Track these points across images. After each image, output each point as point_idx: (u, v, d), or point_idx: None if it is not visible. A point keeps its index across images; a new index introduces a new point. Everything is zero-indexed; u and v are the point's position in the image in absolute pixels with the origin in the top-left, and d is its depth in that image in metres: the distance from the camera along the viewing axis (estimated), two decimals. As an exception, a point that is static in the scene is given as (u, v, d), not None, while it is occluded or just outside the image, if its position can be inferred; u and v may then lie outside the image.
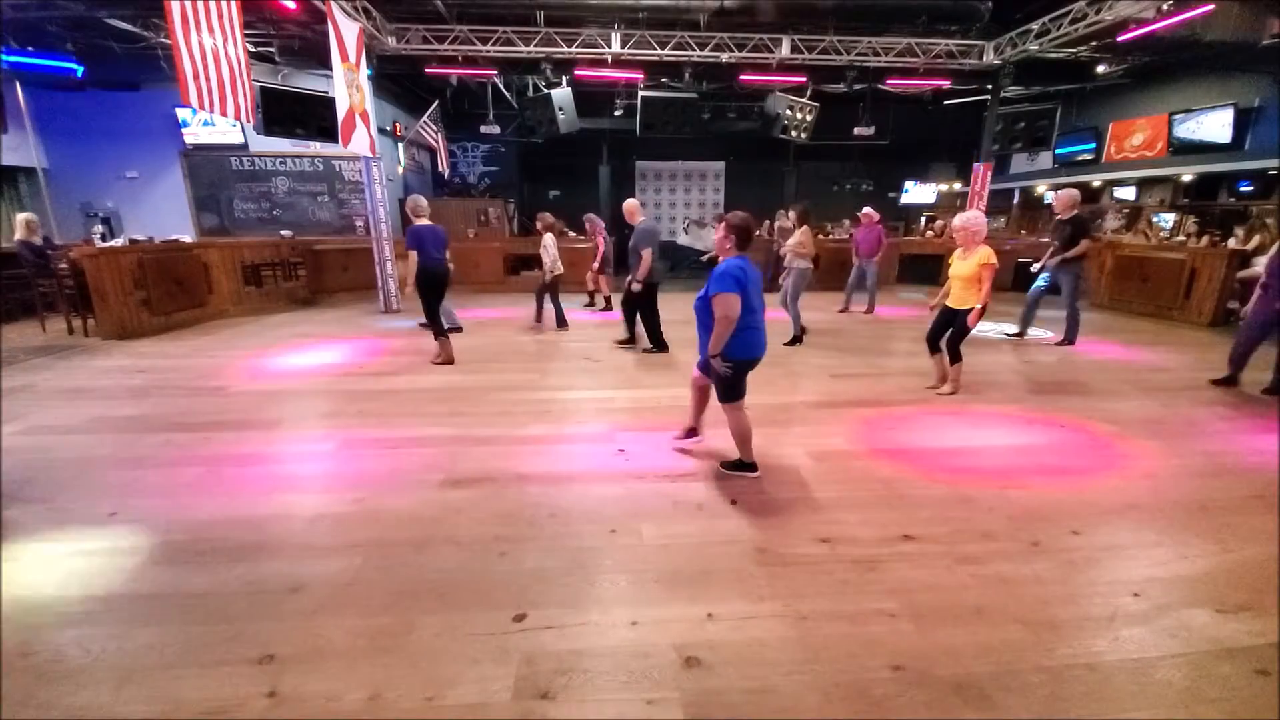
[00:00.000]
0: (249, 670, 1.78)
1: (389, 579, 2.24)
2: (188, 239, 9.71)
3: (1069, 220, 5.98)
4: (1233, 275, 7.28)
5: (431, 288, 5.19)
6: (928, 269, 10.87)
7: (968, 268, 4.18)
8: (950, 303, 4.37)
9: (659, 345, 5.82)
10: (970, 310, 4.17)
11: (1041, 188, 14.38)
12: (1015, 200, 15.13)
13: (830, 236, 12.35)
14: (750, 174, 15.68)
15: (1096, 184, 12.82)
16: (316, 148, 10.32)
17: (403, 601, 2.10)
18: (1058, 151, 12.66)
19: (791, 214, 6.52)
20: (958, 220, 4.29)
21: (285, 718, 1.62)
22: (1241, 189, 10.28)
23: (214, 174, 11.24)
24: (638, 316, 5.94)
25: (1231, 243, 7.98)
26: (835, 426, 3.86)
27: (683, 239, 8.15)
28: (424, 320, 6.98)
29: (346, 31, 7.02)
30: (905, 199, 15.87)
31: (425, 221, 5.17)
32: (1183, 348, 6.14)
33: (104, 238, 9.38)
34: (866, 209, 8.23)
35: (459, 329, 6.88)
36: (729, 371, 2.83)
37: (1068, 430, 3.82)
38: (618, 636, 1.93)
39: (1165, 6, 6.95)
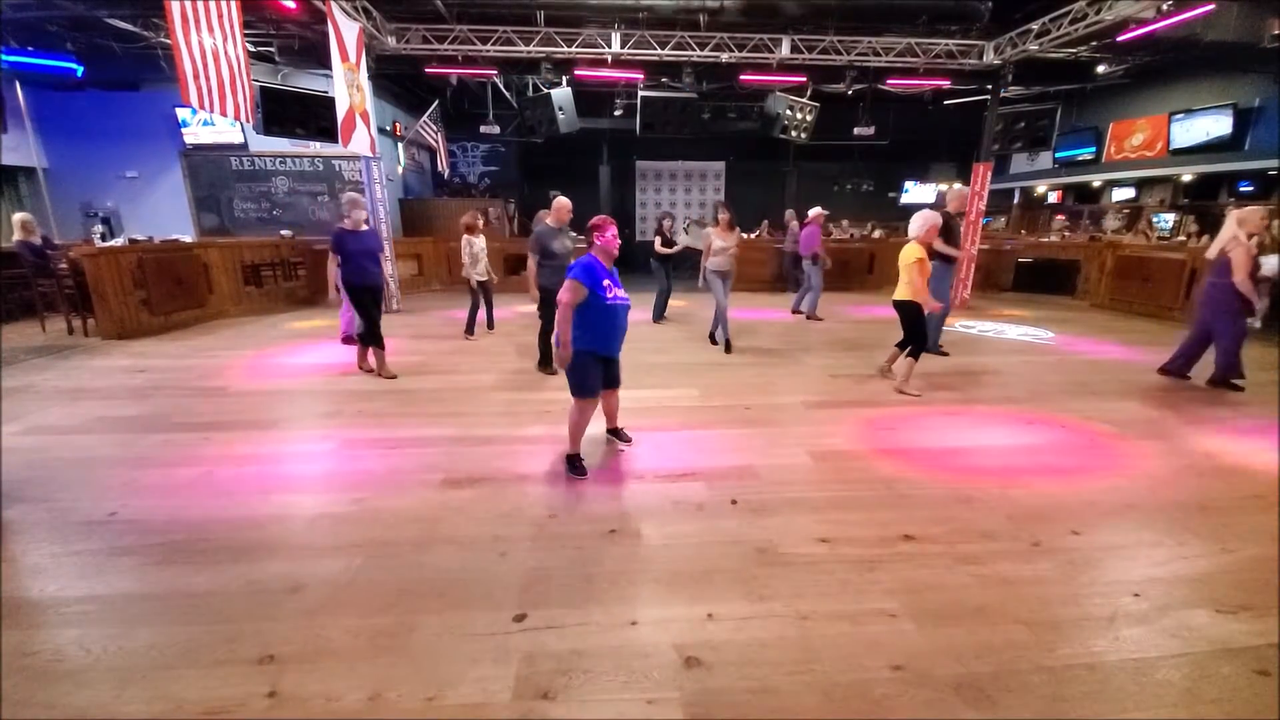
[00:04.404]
0: (249, 670, 1.78)
1: (389, 579, 2.23)
2: (188, 239, 9.72)
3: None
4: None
5: None
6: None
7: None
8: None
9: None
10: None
11: (1042, 187, 14.39)
12: (1015, 200, 15.14)
13: (831, 237, 12.35)
14: (750, 174, 15.67)
15: (1096, 184, 12.82)
16: (316, 147, 10.33)
17: (403, 601, 2.10)
18: (1058, 153, 12.67)
19: (722, 215, 6.18)
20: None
21: (285, 718, 1.62)
22: (1241, 189, 10.27)
23: (214, 174, 11.24)
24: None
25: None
26: (835, 426, 3.87)
27: (682, 239, 8.11)
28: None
29: (346, 31, 7.01)
30: (905, 199, 15.88)
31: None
32: (1183, 348, 6.13)
33: (104, 237, 9.38)
34: (801, 210, 8.28)
35: None
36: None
37: (1068, 430, 3.82)
38: (618, 636, 1.93)
39: (1165, 6, 6.94)
